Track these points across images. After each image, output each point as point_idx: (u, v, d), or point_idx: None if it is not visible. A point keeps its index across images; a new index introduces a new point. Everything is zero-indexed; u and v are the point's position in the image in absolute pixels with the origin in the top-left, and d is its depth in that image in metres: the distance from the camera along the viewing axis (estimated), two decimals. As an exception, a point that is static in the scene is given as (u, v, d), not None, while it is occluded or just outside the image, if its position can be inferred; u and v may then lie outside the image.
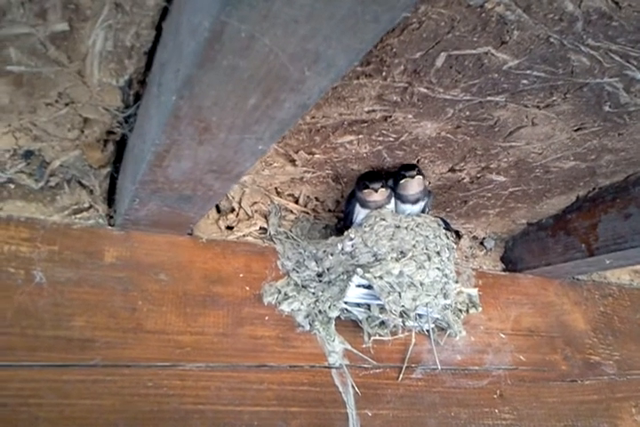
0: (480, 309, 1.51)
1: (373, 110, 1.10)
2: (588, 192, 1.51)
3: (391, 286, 1.26)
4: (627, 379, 1.65)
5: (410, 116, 1.12)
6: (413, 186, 1.30)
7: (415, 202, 1.35)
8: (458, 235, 1.71)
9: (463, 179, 1.42)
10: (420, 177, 1.29)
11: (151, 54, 0.93)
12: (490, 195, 1.51)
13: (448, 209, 1.59)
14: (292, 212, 1.48)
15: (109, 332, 1.11)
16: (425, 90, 1.02)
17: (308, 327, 1.30)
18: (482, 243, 1.75)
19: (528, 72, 0.98)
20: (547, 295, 1.72)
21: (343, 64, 0.60)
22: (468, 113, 1.12)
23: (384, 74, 0.97)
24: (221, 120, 0.73)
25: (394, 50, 0.90)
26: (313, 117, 1.12)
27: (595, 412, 1.53)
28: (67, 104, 1.08)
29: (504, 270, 1.73)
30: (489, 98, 1.06)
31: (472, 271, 1.64)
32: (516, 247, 1.74)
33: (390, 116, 1.12)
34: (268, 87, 0.65)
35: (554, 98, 1.07)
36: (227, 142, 0.80)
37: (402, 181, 1.28)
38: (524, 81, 1.01)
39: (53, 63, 0.95)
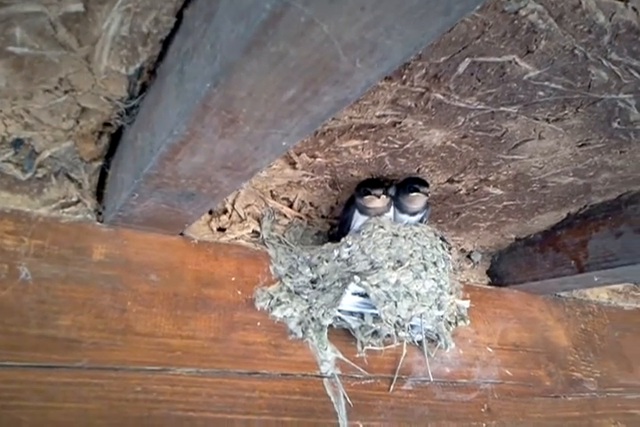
0: (468, 322, 1.50)
1: (384, 115, 1.08)
2: (579, 209, 1.52)
3: (387, 295, 1.24)
4: (606, 396, 1.66)
5: (420, 122, 1.11)
6: (421, 202, 1.31)
7: (414, 214, 1.34)
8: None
9: (460, 190, 1.41)
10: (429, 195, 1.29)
11: (166, 43, 0.89)
12: (484, 208, 1.51)
13: (440, 220, 1.58)
14: (285, 216, 1.45)
15: (97, 332, 1.06)
16: (441, 96, 1.01)
17: (300, 335, 1.27)
18: (469, 256, 1.74)
19: (546, 83, 0.97)
20: (531, 311, 1.72)
21: (398, 57, 0.58)
22: (477, 123, 1.11)
23: (404, 77, 0.95)
24: (251, 112, 0.70)
25: (419, 52, 0.88)
26: (322, 119, 1.09)
27: (578, 429, 1.53)
28: (66, 92, 1.03)
29: (490, 284, 1.73)
30: (502, 108, 1.06)
31: (460, 284, 1.63)
32: (503, 262, 1.74)
33: (400, 122, 1.11)
34: (312, 78, 0.62)
35: (566, 112, 1.07)
36: (249, 137, 0.77)
37: (413, 195, 1.27)
38: (541, 93, 1.00)
39: (60, 46, 0.90)
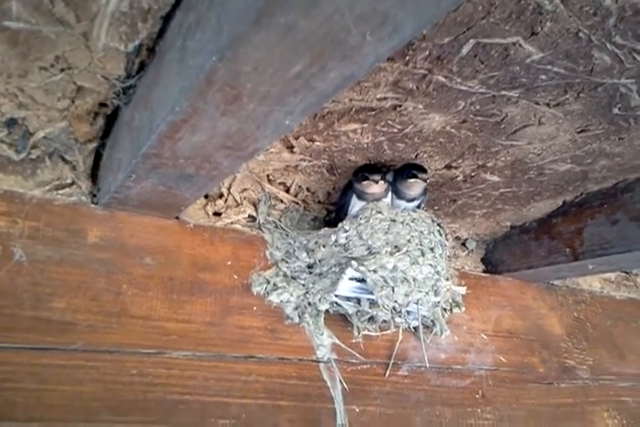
0: (463, 308, 1.50)
1: (385, 98, 1.07)
2: (575, 197, 1.52)
3: (385, 281, 1.23)
4: (599, 384, 1.68)
5: (420, 106, 1.10)
6: (419, 188, 1.30)
7: (412, 200, 1.34)
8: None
9: (457, 177, 1.41)
10: (427, 181, 1.28)
11: (167, 19, 0.87)
12: (480, 195, 1.50)
13: (436, 207, 1.58)
14: (281, 201, 1.44)
15: (92, 315, 1.05)
16: (443, 79, 1.00)
17: (296, 319, 1.26)
18: (464, 244, 1.74)
19: (549, 67, 0.97)
20: (524, 299, 1.73)
21: (409, 31, 0.57)
22: (478, 107, 1.10)
23: (407, 58, 0.94)
24: (256, 88, 0.69)
25: (424, 32, 0.87)
26: (322, 101, 1.08)
27: (571, 415, 1.54)
28: (62, 70, 1.01)
29: (484, 272, 1.73)
30: (503, 92, 1.05)
31: (455, 271, 1.63)
32: (497, 249, 1.74)
33: (400, 106, 1.10)
34: (320, 52, 0.61)
35: (567, 96, 1.06)
36: (252, 115, 0.75)
37: (411, 181, 1.26)
38: (543, 76, 1.00)
39: (57, 22, 0.88)
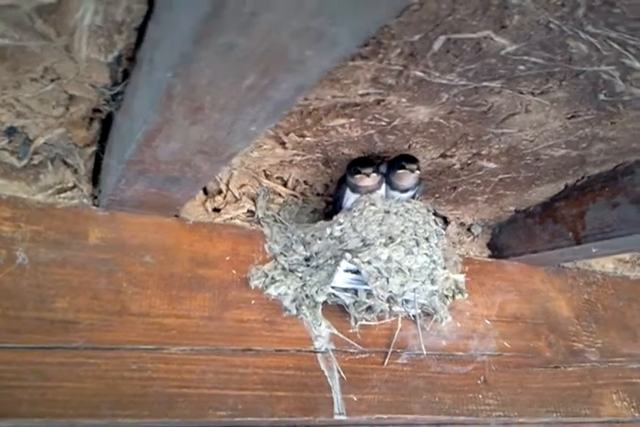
0: (466, 295, 1.51)
1: (367, 93, 1.08)
2: (576, 181, 1.51)
3: (379, 272, 1.25)
4: (608, 366, 1.67)
5: (404, 100, 1.10)
6: (410, 178, 1.31)
7: (406, 191, 1.35)
8: (445, 221, 1.71)
9: (454, 165, 1.41)
10: (419, 172, 1.29)
11: (142, 30, 0.90)
12: (479, 181, 1.50)
13: (437, 195, 1.58)
14: (280, 195, 1.46)
15: (93, 314, 1.10)
16: (421, 73, 1.01)
17: (294, 312, 1.29)
18: (469, 229, 1.74)
19: (525, 58, 0.96)
20: (532, 282, 1.72)
21: (347, 44, 0.58)
22: (462, 98, 1.10)
23: (380, 56, 0.94)
24: (215, 100, 0.71)
25: (392, 31, 0.87)
26: (306, 99, 1.09)
27: (577, 398, 1.54)
28: (52, 80, 1.04)
29: (490, 257, 1.73)
30: (484, 83, 1.05)
31: (459, 257, 1.63)
32: (503, 234, 1.74)
33: (384, 100, 1.11)
34: (266, 67, 0.63)
35: (549, 85, 1.05)
36: (219, 123, 0.78)
37: (400, 172, 1.27)
38: (521, 67, 0.99)
39: (39, 37, 0.92)
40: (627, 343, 1.76)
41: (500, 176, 1.47)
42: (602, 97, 1.09)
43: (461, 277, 1.50)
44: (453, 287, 1.51)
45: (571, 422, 1.51)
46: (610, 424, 1.56)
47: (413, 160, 1.27)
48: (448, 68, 0.99)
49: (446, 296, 1.48)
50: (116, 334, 1.09)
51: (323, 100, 1.10)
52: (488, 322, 1.56)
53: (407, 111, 1.15)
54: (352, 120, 1.18)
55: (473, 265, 1.64)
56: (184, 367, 1.11)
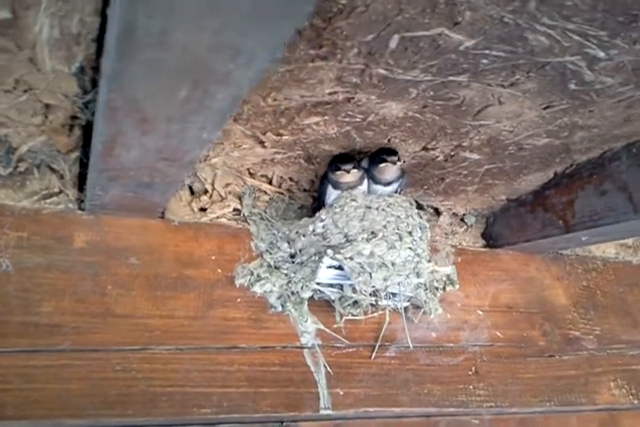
0: (457, 286, 1.51)
1: (335, 92, 1.08)
2: (565, 168, 1.49)
3: (362, 267, 1.26)
4: (606, 353, 1.66)
5: (373, 97, 1.10)
6: (392, 171, 1.31)
7: (389, 184, 1.35)
8: (437, 212, 1.70)
9: (437, 157, 1.40)
10: (400, 163, 1.29)
11: (100, 41, 0.91)
12: (466, 172, 1.49)
13: (425, 187, 1.58)
14: (265, 192, 1.47)
15: (78, 317, 1.13)
16: (384, 71, 1.00)
17: (280, 308, 1.31)
18: (462, 219, 1.74)
19: (487, 52, 0.95)
20: (528, 271, 1.71)
21: (265, 57, 0.59)
22: (432, 93, 1.10)
23: (338, 56, 0.95)
24: (157, 111, 0.73)
25: (344, 33, 0.88)
26: (275, 100, 1.10)
27: (572, 387, 1.53)
28: (25, 91, 1.07)
29: (484, 247, 1.73)
30: (450, 78, 1.04)
31: (451, 248, 1.63)
32: (497, 223, 1.73)
33: (353, 98, 1.11)
34: (196, 79, 0.64)
35: (517, 77, 1.04)
36: (169, 132, 0.80)
37: (381, 165, 1.28)
38: (484, 60, 0.98)
39: (2, 51, 0.94)
40: (627, 330, 1.74)
41: (486, 166, 1.46)
42: (573, 87, 1.08)
43: (449, 270, 1.50)
44: (444, 279, 1.51)
45: (565, 411, 1.50)
46: (607, 412, 1.55)
47: (394, 152, 1.27)
48: (409, 64, 0.98)
49: (436, 288, 1.48)
50: (100, 336, 1.12)
51: (292, 99, 1.10)
52: (480, 312, 1.55)
53: (379, 107, 1.15)
54: (326, 118, 1.19)
55: (466, 255, 1.64)
56: (168, 367, 1.14)
